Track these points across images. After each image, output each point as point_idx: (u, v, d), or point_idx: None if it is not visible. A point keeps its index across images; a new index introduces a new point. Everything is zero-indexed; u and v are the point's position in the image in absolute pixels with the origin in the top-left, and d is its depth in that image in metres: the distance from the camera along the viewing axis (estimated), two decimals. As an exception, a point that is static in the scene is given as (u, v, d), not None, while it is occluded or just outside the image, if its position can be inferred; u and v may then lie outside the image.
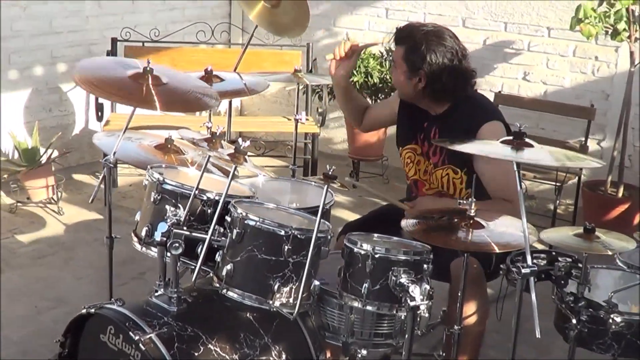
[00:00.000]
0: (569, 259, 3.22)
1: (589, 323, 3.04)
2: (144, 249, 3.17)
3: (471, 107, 3.50)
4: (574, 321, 3.03)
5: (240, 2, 4.24)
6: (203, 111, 6.16)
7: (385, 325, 3.03)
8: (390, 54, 6.32)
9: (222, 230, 2.91)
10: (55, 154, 5.85)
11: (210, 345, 2.88)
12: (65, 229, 5.44)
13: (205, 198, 3.06)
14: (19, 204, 5.66)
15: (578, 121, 5.76)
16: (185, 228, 2.95)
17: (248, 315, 3.03)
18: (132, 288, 4.51)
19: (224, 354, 2.89)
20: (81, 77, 3.27)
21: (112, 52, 6.13)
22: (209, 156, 3.06)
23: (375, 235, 3.05)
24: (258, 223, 2.84)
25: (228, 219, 2.92)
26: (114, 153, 3.52)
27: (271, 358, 3.00)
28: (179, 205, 3.05)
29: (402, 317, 2.97)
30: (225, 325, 3.01)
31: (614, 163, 5.45)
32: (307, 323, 3.10)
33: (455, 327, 3.08)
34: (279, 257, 2.82)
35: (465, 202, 2.96)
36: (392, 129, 6.47)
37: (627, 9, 5.01)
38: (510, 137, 2.80)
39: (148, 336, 2.77)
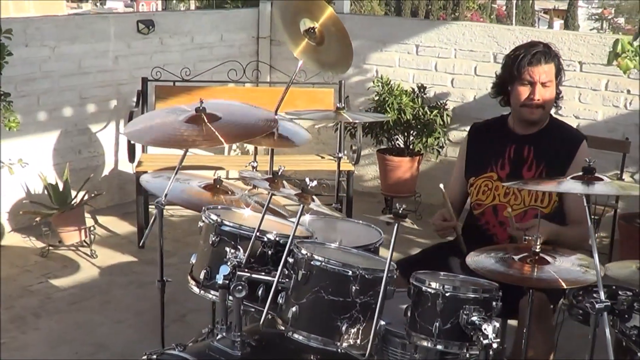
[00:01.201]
0: (629, 293, 3.19)
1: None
2: (202, 292, 3.10)
3: (561, 127, 3.74)
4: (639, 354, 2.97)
5: (286, 39, 4.20)
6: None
7: (448, 364, 2.98)
8: (422, 90, 6.31)
9: (285, 271, 2.86)
10: (86, 196, 5.82)
11: (276, 390, 2.82)
12: (100, 272, 5.38)
13: (265, 239, 3.00)
14: (50, 247, 5.61)
15: (611, 154, 5.72)
16: (246, 270, 2.89)
17: (312, 358, 2.96)
18: (174, 331, 4.44)
19: (290, 399, 2.83)
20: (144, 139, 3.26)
21: (143, 92, 6.13)
22: (271, 197, 3.01)
23: (442, 273, 3.00)
24: (323, 264, 2.78)
25: (290, 260, 2.86)
26: (166, 195, 3.48)
27: (337, 401, 2.93)
28: (239, 247, 2.99)
29: (467, 356, 2.93)
30: (290, 369, 2.95)
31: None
32: (370, 365, 3.03)
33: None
34: (346, 297, 2.75)
35: (531, 237, 2.94)
36: (426, 165, 6.56)
37: (662, 43, 5.01)
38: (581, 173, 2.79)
39: (214, 382, 2.71)
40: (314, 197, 2.81)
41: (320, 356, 2.95)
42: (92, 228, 5.68)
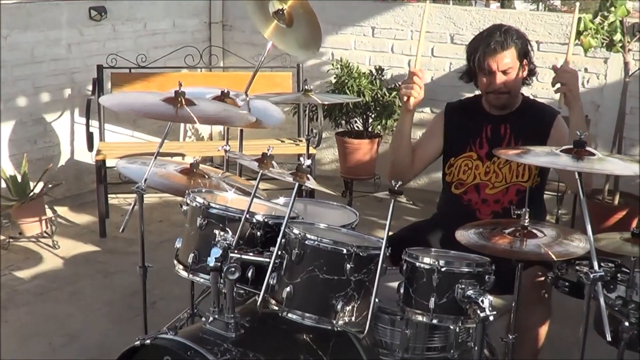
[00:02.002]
0: (610, 265, 3.27)
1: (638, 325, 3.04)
2: (190, 275, 3.08)
3: (535, 105, 3.86)
4: (626, 323, 3.01)
5: (255, 21, 4.17)
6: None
7: (436, 338, 3.03)
8: (380, 72, 6.33)
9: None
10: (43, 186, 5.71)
11: (273, 370, 2.81)
12: (64, 263, 5.30)
13: (254, 221, 2.98)
14: (10, 239, 5.50)
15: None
16: (236, 251, 2.87)
17: (305, 336, 2.96)
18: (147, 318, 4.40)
19: (287, 378, 2.83)
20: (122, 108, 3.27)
21: (98, 80, 6.03)
22: (259, 179, 2.99)
23: (432, 249, 3.03)
24: (317, 242, 2.78)
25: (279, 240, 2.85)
26: (145, 180, 3.45)
27: (332, 379, 2.94)
28: (227, 229, 2.96)
29: (457, 330, 2.99)
30: (285, 348, 2.94)
31: (610, 171, 5.51)
32: (361, 342, 3.05)
33: (510, 336, 3.05)
34: (340, 276, 2.75)
35: (520, 211, 2.98)
36: (386, 147, 6.59)
37: (620, 21, 5.09)
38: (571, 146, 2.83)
39: (212, 364, 2.68)
40: (309, 175, 2.79)
41: (314, 335, 2.96)
42: (52, 219, 5.59)
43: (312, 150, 5.89)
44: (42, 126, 6.17)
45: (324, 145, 6.86)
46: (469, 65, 3.71)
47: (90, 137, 5.84)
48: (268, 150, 2.94)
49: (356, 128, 6.49)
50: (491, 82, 3.60)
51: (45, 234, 5.57)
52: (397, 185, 2.69)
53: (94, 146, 5.87)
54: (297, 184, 2.80)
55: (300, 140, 6.12)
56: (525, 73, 3.69)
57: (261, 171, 2.93)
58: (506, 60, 3.58)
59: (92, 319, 4.54)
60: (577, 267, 3.28)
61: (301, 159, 2.78)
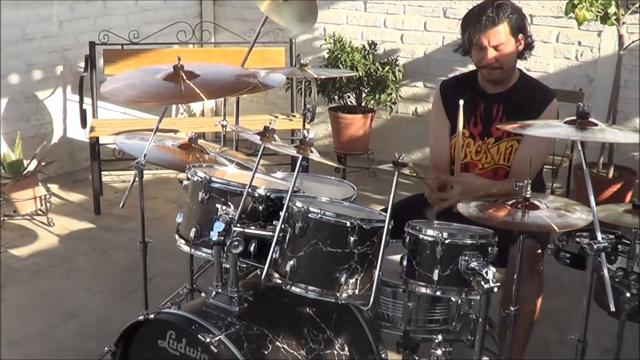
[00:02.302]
0: (611, 236, 3.28)
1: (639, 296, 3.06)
2: (193, 250, 3.08)
3: (530, 85, 3.71)
4: (628, 294, 3.03)
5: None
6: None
7: (438, 311, 3.04)
8: (373, 47, 6.31)
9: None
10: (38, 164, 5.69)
11: (277, 343, 2.81)
12: (59, 241, 5.29)
13: (256, 194, 2.98)
14: (5, 217, 5.49)
15: (563, 106, 5.79)
16: (238, 225, 2.87)
17: (308, 310, 2.98)
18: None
19: (291, 351, 2.83)
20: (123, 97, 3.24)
21: (91, 57, 6.00)
22: (261, 153, 2.98)
23: (435, 222, 3.04)
24: (320, 215, 2.77)
25: (280, 214, 2.85)
26: (144, 155, 3.44)
27: (335, 351, 2.95)
28: (229, 203, 2.96)
29: (459, 302, 3.01)
30: (288, 321, 2.95)
31: (604, 145, 5.54)
32: (363, 314, 3.07)
33: (512, 307, 3.06)
34: (344, 248, 2.75)
35: (521, 184, 2.98)
36: (379, 122, 6.59)
37: (615, -7, 5.10)
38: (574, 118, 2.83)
39: (217, 338, 2.68)
40: (312, 148, 2.78)
41: (317, 308, 2.97)
42: (47, 196, 5.57)
43: (306, 125, 5.90)
44: (34, 104, 6.13)
45: (317, 120, 6.86)
46: (462, 40, 3.70)
47: (83, 114, 5.81)
48: (270, 123, 2.93)
49: (349, 103, 6.47)
50: (483, 57, 3.57)
51: (40, 212, 5.56)
52: (401, 157, 2.69)
53: (87, 123, 5.84)
54: (300, 157, 2.79)
55: (294, 116, 6.11)
56: (521, 47, 3.63)
57: (263, 145, 2.92)
58: (498, 36, 3.53)
59: (90, 295, 4.54)
60: (577, 239, 3.29)
61: (304, 132, 2.76)
